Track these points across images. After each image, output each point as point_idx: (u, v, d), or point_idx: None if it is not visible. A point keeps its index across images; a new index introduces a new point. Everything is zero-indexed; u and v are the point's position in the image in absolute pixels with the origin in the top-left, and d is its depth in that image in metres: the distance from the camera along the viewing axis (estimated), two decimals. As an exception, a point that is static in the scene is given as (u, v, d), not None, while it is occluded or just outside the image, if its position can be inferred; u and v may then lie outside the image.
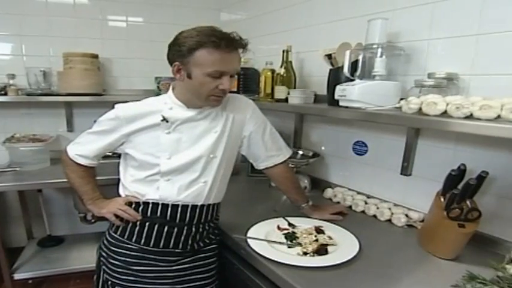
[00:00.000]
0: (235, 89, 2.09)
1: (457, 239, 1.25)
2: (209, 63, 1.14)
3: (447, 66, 1.36)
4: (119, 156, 1.37)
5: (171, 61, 1.22)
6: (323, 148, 2.09)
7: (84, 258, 2.58)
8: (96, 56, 2.59)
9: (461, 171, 1.28)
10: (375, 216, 1.66)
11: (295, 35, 2.17)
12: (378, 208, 1.66)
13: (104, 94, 2.69)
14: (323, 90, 1.73)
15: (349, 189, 1.89)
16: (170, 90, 1.29)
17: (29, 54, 2.61)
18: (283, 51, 1.97)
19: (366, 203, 1.74)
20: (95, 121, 1.31)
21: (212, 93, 1.20)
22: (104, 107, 1.37)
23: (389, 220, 1.60)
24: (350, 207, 1.76)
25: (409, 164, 1.60)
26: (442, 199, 1.30)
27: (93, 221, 2.57)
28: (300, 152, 2.12)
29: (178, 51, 1.16)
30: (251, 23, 2.63)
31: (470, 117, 1.04)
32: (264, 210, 1.69)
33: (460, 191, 1.21)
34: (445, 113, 1.09)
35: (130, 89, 2.86)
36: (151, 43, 2.90)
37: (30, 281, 2.52)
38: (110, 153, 1.40)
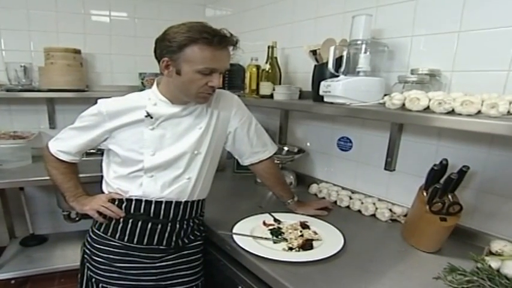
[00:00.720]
0: (220, 85, 2.09)
1: (438, 232, 1.27)
2: (200, 60, 1.13)
3: (430, 63, 1.38)
4: (102, 153, 1.35)
5: (159, 57, 1.19)
6: (308, 144, 2.10)
7: (69, 257, 2.53)
8: (78, 51, 2.53)
9: (443, 166, 1.30)
10: (359, 211, 1.67)
11: (280, 31, 2.17)
12: (362, 203, 1.68)
13: (86, 90, 2.63)
14: (308, 86, 1.74)
15: (334, 185, 1.91)
16: (154, 86, 1.27)
17: (9, 48, 2.53)
18: (269, 47, 1.96)
19: (351, 198, 1.76)
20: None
21: (201, 91, 1.19)
22: (87, 103, 1.34)
23: (374, 215, 1.62)
24: (335, 202, 1.78)
25: (392, 160, 1.62)
26: (425, 193, 1.32)
27: (77, 219, 2.54)
28: (286, 148, 2.13)
29: (168, 46, 1.13)
30: (236, 19, 2.62)
31: (452, 112, 1.05)
32: (250, 206, 1.68)
33: (442, 185, 1.23)
34: (427, 109, 1.10)
35: (114, 85, 2.82)
36: (135, 38, 2.86)
37: (13, 281, 2.47)
38: (94, 151, 1.38)
